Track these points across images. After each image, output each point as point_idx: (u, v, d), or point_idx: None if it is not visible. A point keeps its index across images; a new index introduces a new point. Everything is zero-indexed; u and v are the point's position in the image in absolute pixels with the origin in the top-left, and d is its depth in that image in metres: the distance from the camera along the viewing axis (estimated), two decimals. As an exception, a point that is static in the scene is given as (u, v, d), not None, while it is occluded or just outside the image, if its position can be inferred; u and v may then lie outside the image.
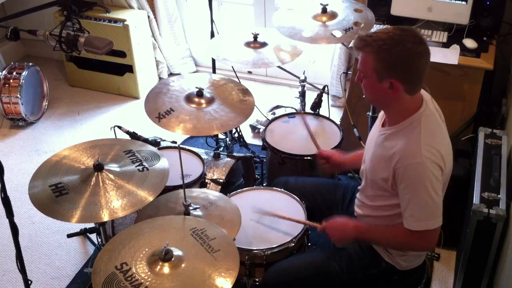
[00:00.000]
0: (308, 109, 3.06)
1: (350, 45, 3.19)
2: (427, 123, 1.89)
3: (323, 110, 3.06)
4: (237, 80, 2.84)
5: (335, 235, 2.08)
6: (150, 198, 2.02)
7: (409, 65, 1.84)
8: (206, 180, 2.70)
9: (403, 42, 1.81)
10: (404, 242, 1.96)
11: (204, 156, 2.80)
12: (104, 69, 4.23)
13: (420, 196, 1.85)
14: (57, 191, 2.03)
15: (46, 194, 2.03)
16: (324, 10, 2.87)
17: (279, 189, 2.48)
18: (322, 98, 3.01)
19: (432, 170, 1.83)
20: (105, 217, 1.95)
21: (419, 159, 1.82)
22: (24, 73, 3.81)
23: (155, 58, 4.32)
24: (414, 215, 1.88)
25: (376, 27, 3.22)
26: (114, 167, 2.13)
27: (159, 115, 2.44)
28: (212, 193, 2.31)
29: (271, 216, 2.30)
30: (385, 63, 1.83)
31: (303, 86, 3.11)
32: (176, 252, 1.78)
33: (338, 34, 2.75)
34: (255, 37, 2.89)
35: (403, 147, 1.87)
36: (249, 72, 4.35)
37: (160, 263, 1.74)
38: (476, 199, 2.30)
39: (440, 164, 1.85)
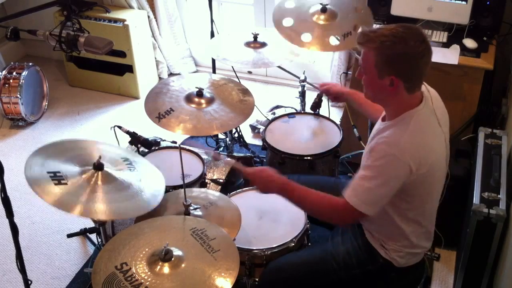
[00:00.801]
0: (308, 109, 3.06)
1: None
2: (418, 121, 1.89)
3: (323, 110, 3.06)
4: (237, 80, 2.84)
5: (259, 185, 2.09)
6: (136, 214, 2.02)
7: (410, 63, 1.84)
8: (206, 180, 2.70)
9: (406, 40, 1.81)
10: (326, 207, 1.96)
11: (204, 156, 2.80)
12: (104, 69, 4.23)
13: (374, 181, 1.85)
14: (56, 179, 1.99)
15: (45, 180, 1.97)
16: (324, 10, 2.87)
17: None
18: (322, 98, 3.01)
19: (401, 168, 1.82)
20: (101, 216, 1.95)
21: (395, 151, 1.82)
22: (24, 73, 3.81)
23: (155, 58, 4.32)
24: (358, 195, 1.87)
25: (376, 27, 3.22)
26: (113, 170, 2.12)
27: (159, 115, 2.44)
28: (212, 193, 2.31)
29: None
30: (386, 59, 1.83)
31: (303, 86, 3.11)
32: (176, 252, 1.78)
33: (335, 41, 2.76)
34: (255, 37, 2.89)
35: (387, 136, 1.88)
36: (249, 72, 4.35)
37: (160, 263, 1.74)
38: (476, 199, 2.30)
39: (412, 166, 1.83)
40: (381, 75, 1.85)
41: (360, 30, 1.93)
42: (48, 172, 2.00)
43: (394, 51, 1.81)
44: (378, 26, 3.23)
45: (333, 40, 2.75)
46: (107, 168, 2.10)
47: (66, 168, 2.05)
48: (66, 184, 1.97)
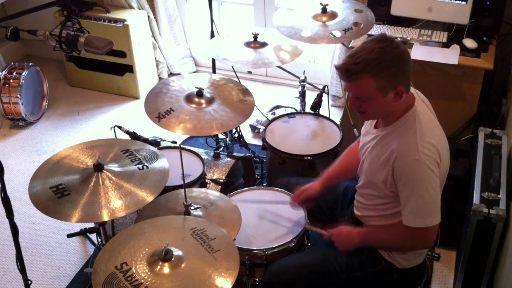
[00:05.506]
0: (308, 109, 3.06)
1: (350, 45, 3.19)
2: (421, 120, 1.91)
3: (323, 110, 3.06)
4: (237, 80, 2.84)
5: (341, 242, 2.10)
6: (151, 198, 2.02)
7: (405, 66, 1.86)
8: (206, 180, 2.70)
9: (393, 51, 1.82)
10: (404, 240, 1.97)
11: (204, 156, 2.80)
12: (104, 69, 4.23)
13: (418, 193, 1.87)
14: (59, 193, 2.03)
15: (47, 196, 2.02)
16: (324, 10, 2.87)
17: (279, 189, 2.49)
18: (322, 98, 3.01)
19: (429, 166, 1.84)
20: (105, 217, 1.95)
21: (416, 156, 1.84)
22: (24, 73, 3.80)
23: (155, 58, 4.32)
24: (413, 212, 1.89)
25: (376, 27, 3.23)
26: (114, 166, 2.13)
27: (159, 115, 2.44)
28: (213, 193, 2.31)
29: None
30: (388, 77, 1.82)
31: (303, 86, 3.11)
32: (176, 252, 1.78)
33: (338, 34, 2.76)
34: (255, 37, 2.89)
35: (400, 145, 1.89)
36: (249, 72, 4.35)
37: (160, 263, 1.74)
38: (476, 199, 2.30)
39: (437, 159, 1.87)
40: (385, 93, 1.85)
41: (337, 68, 1.87)
42: (50, 188, 2.05)
43: (391, 66, 1.82)
44: (377, 26, 3.25)
45: (337, 33, 2.75)
46: (108, 166, 2.11)
47: (67, 179, 2.09)
48: (69, 194, 2.01)
